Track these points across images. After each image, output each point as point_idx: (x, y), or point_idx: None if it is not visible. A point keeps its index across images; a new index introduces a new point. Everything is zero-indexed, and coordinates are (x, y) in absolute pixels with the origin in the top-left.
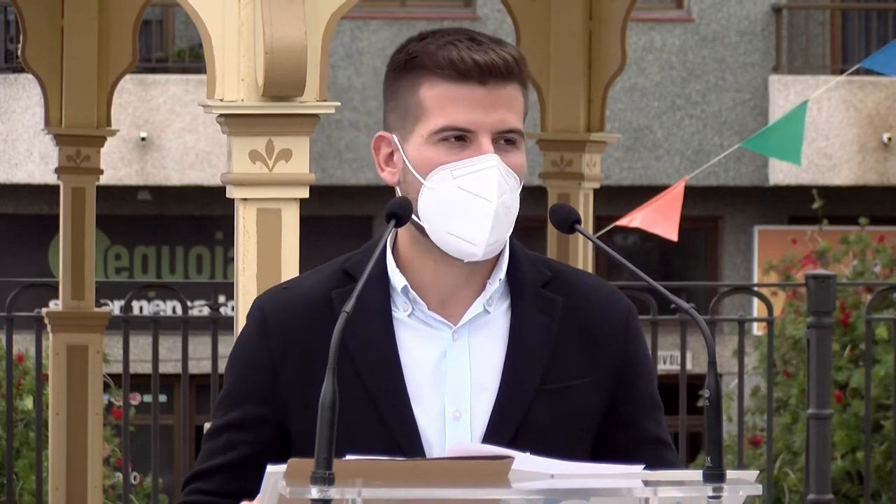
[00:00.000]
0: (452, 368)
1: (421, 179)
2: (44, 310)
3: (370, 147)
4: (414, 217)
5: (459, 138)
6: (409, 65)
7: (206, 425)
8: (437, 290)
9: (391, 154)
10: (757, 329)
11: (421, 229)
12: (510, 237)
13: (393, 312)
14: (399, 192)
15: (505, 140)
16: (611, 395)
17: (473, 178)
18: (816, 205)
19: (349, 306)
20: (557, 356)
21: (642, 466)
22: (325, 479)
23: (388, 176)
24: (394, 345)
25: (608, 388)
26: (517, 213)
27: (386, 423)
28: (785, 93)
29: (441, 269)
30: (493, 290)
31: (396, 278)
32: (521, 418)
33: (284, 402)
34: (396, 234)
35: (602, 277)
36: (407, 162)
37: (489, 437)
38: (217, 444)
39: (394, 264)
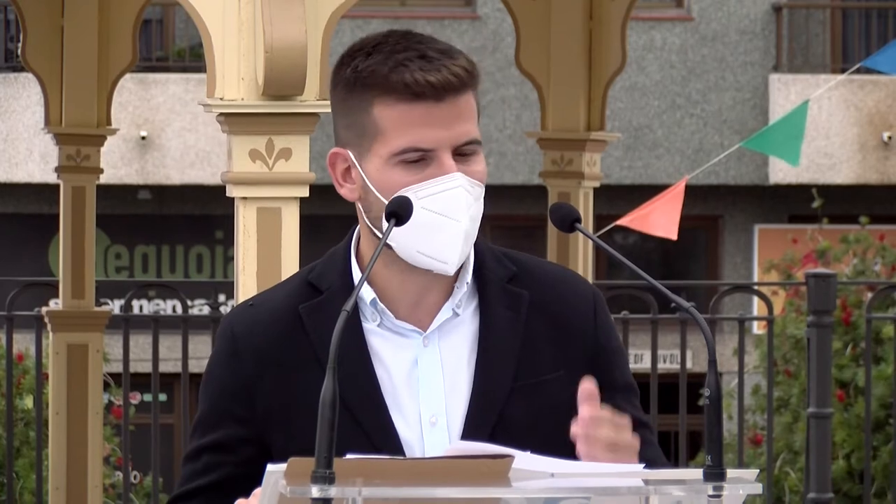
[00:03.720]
0: (425, 374)
1: (384, 200)
2: (44, 309)
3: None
4: (379, 235)
5: (420, 158)
6: (359, 83)
7: None
8: (404, 299)
9: (348, 170)
10: (757, 328)
11: (387, 245)
12: None
13: (362, 323)
14: (360, 208)
15: (465, 152)
16: None
17: (440, 198)
18: (816, 204)
19: (349, 305)
20: (528, 352)
21: (642, 465)
22: (326, 478)
23: (346, 192)
24: (366, 355)
25: (583, 378)
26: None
27: (366, 433)
28: (785, 92)
29: (407, 279)
30: (461, 294)
31: (364, 290)
32: (496, 417)
33: (263, 420)
34: (358, 246)
35: (602, 277)
36: (368, 182)
37: (466, 439)
38: (197, 467)
39: (360, 275)
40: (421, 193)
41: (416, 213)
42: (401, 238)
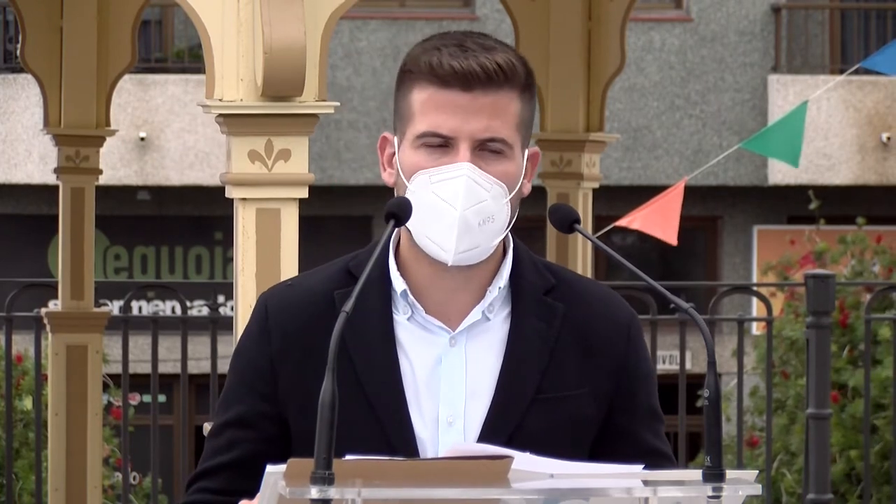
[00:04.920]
0: (448, 374)
1: (406, 182)
2: (43, 310)
3: (370, 147)
4: None
5: (440, 144)
6: (403, 68)
7: (206, 425)
8: (434, 293)
9: (392, 155)
10: (756, 329)
11: (406, 231)
12: (515, 242)
13: (393, 315)
14: (395, 194)
15: (489, 149)
16: (608, 405)
17: (444, 185)
18: (813, 205)
19: (348, 306)
20: (555, 365)
21: (642, 466)
22: (325, 479)
23: (387, 177)
24: (393, 348)
25: (606, 398)
26: (509, 220)
27: (382, 426)
28: (784, 93)
29: (437, 272)
30: (492, 298)
31: (397, 281)
32: (514, 427)
33: (284, 400)
34: (400, 235)
35: (601, 278)
36: (398, 164)
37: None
38: (219, 443)
39: (395, 267)
40: (434, 178)
41: (427, 197)
42: (415, 222)
